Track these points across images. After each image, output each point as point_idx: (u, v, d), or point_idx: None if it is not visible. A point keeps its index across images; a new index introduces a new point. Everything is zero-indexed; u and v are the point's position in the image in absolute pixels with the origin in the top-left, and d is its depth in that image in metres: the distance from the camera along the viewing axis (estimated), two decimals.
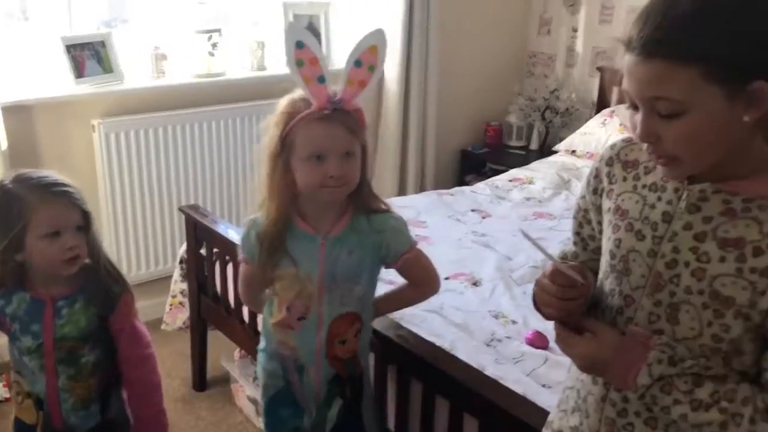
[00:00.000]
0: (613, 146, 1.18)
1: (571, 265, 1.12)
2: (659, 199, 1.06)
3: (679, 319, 1.02)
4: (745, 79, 0.91)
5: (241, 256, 1.62)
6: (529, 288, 2.17)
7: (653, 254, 1.04)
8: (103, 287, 1.55)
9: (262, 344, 1.68)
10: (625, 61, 0.97)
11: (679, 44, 0.91)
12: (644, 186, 1.10)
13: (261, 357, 1.69)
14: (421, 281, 1.66)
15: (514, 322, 2.03)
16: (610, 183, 1.15)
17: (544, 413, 1.37)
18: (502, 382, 1.63)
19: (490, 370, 1.72)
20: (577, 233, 1.26)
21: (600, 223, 1.18)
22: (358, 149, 1.48)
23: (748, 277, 0.96)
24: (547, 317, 1.15)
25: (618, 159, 1.15)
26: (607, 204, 1.15)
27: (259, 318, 2.19)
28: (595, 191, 1.18)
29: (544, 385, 1.71)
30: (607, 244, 1.13)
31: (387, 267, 1.60)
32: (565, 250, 1.32)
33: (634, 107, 0.99)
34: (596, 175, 1.18)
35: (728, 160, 0.99)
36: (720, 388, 0.98)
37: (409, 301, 1.76)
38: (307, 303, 1.54)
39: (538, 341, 1.89)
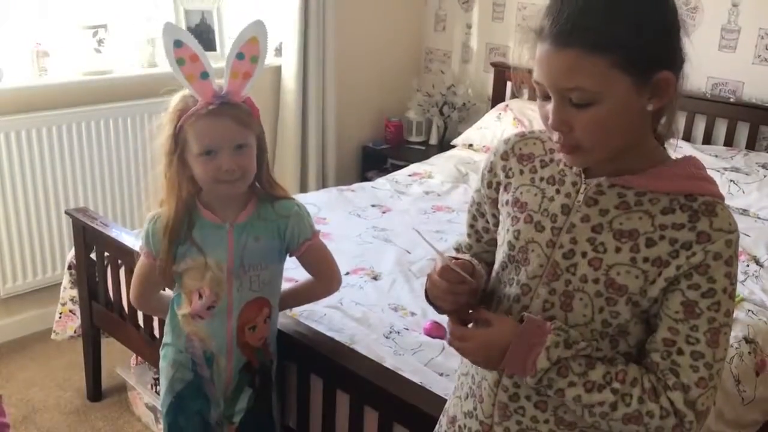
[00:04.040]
0: (507, 141, 1.20)
1: (461, 261, 1.13)
2: (558, 192, 1.09)
3: (572, 306, 1.05)
4: (651, 68, 0.96)
5: (144, 250, 1.61)
6: None
7: (552, 245, 1.07)
8: None
9: (168, 338, 1.67)
10: (537, 51, 0.98)
11: (591, 34, 0.93)
12: (542, 179, 1.12)
13: (167, 351, 1.67)
14: (322, 273, 1.69)
15: (413, 313, 2.05)
16: (507, 177, 1.17)
17: (441, 401, 1.40)
18: (400, 372, 1.65)
19: (389, 362, 1.73)
20: (471, 226, 1.28)
21: (495, 215, 1.20)
22: (253, 140, 1.50)
23: (641, 266, 1.01)
24: (440, 311, 1.17)
25: (513, 153, 1.17)
26: (504, 197, 1.17)
27: (156, 321, 2.13)
28: (489, 185, 1.20)
29: (441, 374, 1.73)
30: (505, 236, 1.15)
31: (290, 255, 1.63)
32: (460, 241, 1.33)
33: (545, 97, 1.01)
34: (490, 169, 1.20)
35: (624, 155, 1.03)
36: (611, 369, 1.02)
37: (311, 296, 1.78)
38: (217, 290, 1.55)
39: (436, 331, 1.90)
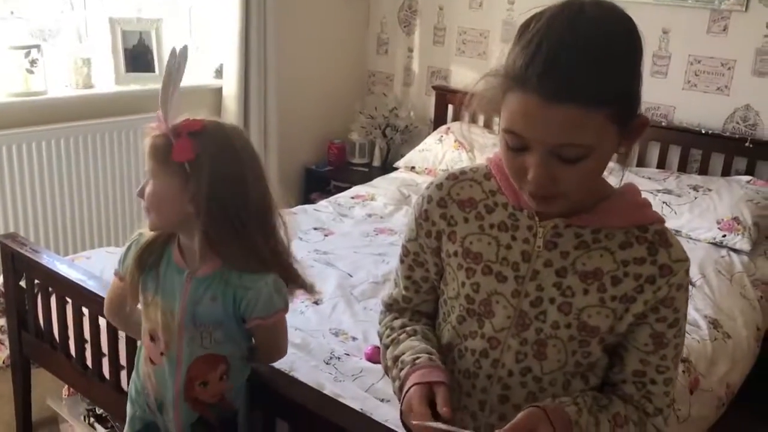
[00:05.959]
0: (439, 186, 1.13)
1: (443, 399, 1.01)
2: (513, 238, 1.05)
3: (546, 354, 1.04)
4: (636, 114, 0.94)
5: (115, 268, 1.53)
6: (370, 303, 2.21)
7: (517, 294, 1.04)
8: None
9: (136, 370, 1.56)
10: (515, 100, 0.90)
11: (588, 89, 0.86)
12: (492, 226, 1.08)
13: (133, 384, 1.56)
14: (266, 350, 1.57)
15: (354, 338, 2.03)
16: (450, 225, 1.11)
17: (381, 428, 1.38)
18: (340, 399, 1.63)
19: (329, 389, 1.71)
20: (407, 277, 1.21)
21: (437, 264, 1.16)
22: (169, 179, 1.33)
23: (609, 305, 1.01)
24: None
25: (451, 199, 1.11)
26: (451, 247, 1.12)
27: (89, 351, 2.06)
28: (429, 234, 1.14)
29: (382, 400, 1.72)
30: (460, 289, 1.10)
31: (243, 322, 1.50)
32: (394, 296, 1.25)
33: (519, 148, 0.92)
34: (426, 218, 1.14)
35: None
36: (608, 416, 1.02)
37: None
38: (168, 338, 1.44)
39: (376, 356, 1.90)
